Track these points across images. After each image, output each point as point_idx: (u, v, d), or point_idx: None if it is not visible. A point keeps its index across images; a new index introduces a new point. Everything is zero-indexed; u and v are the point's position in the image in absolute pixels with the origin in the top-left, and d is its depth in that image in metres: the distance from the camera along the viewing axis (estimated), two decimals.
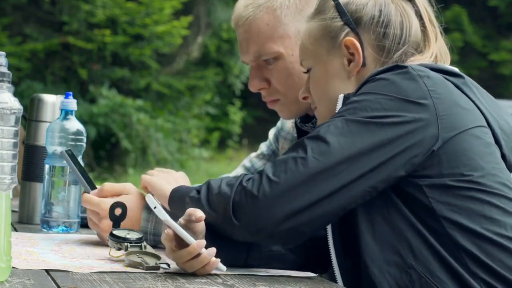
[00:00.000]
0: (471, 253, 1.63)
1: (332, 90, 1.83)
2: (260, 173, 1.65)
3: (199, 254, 1.62)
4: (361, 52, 1.80)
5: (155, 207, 1.68)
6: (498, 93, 15.87)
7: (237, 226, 1.64)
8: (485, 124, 1.72)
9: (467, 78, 1.77)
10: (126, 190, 2.03)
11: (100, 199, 2.00)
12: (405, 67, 1.69)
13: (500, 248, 1.65)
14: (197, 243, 1.62)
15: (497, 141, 1.74)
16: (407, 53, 1.80)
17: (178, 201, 1.82)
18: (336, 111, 1.73)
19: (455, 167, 1.65)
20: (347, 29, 1.81)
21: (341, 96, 1.76)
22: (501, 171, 1.70)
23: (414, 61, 1.78)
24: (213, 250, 1.63)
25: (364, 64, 1.81)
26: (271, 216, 1.62)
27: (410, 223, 1.65)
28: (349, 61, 1.82)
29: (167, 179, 1.94)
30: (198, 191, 1.73)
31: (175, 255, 1.65)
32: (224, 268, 1.66)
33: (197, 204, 1.70)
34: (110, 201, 1.98)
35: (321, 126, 1.67)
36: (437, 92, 1.67)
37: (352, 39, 1.80)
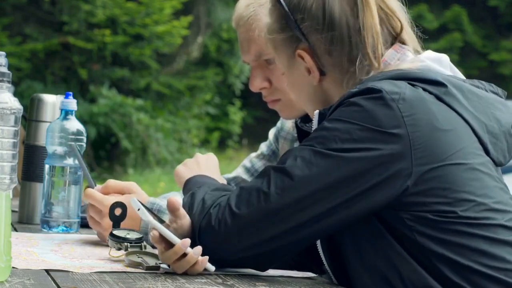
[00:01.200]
0: (460, 286, 1.56)
1: (304, 95, 1.78)
2: (228, 200, 1.63)
3: (185, 254, 1.63)
4: (313, 63, 1.72)
5: (138, 209, 1.68)
6: None
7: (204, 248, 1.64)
8: (469, 138, 1.63)
9: (450, 83, 1.65)
10: (130, 189, 2.04)
11: (103, 196, 2.01)
12: (379, 91, 1.57)
13: (490, 280, 1.57)
14: (182, 242, 1.62)
15: (484, 149, 1.65)
16: (370, 55, 1.67)
17: (185, 188, 1.89)
18: (314, 128, 1.67)
19: (436, 203, 1.57)
20: (297, 40, 1.72)
21: (316, 113, 1.69)
22: (486, 195, 1.60)
23: (389, 66, 1.68)
24: (199, 248, 1.63)
25: (323, 73, 1.72)
26: (230, 247, 1.63)
27: (398, 252, 1.58)
28: (309, 71, 1.74)
29: (191, 168, 1.97)
30: (191, 195, 1.74)
31: (164, 256, 1.65)
32: (212, 268, 1.66)
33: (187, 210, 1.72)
34: (113, 199, 1.98)
35: (288, 156, 1.60)
36: (413, 118, 1.57)
37: (301, 51, 1.72)
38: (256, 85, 2.18)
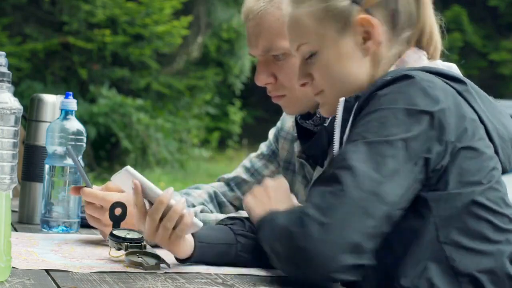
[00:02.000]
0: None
1: (346, 71, 1.78)
2: (307, 216, 1.56)
3: (169, 206, 1.67)
4: (379, 29, 1.75)
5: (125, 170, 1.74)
6: (498, 93, 15.87)
7: (305, 272, 1.58)
8: (486, 135, 1.70)
9: (468, 83, 1.75)
10: None
11: (105, 192, 2.01)
12: (412, 77, 1.65)
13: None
14: (166, 191, 1.68)
15: (496, 151, 1.72)
16: (412, 37, 1.78)
17: (260, 226, 1.75)
18: (338, 117, 1.70)
19: (459, 181, 1.63)
20: (357, 7, 1.76)
21: (341, 100, 1.72)
22: (500, 185, 1.69)
23: (407, 65, 1.76)
24: (182, 200, 1.69)
25: (379, 42, 1.77)
26: (333, 261, 1.55)
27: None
28: (364, 39, 1.77)
29: (262, 201, 1.82)
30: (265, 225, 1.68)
31: (151, 212, 1.69)
32: (200, 224, 1.71)
33: (263, 238, 1.67)
34: (115, 194, 1.98)
35: (345, 153, 1.61)
36: (445, 102, 1.64)
37: (367, 16, 1.75)
38: (262, 80, 2.18)
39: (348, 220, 1.55)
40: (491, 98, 1.80)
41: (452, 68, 1.81)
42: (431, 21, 1.81)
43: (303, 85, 1.85)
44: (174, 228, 1.71)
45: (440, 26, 1.85)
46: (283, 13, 1.88)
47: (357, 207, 1.56)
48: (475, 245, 1.63)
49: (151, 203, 1.73)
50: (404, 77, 1.65)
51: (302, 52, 1.83)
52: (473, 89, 1.74)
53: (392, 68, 1.76)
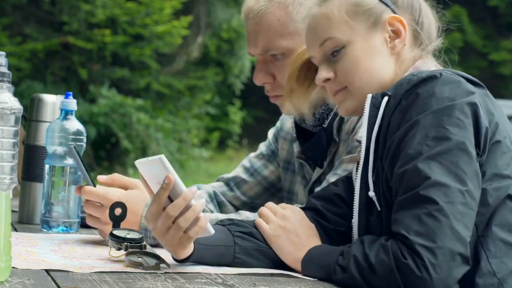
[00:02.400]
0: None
1: (373, 66, 1.82)
2: (411, 248, 1.56)
3: (189, 205, 1.66)
4: (407, 28, 1.82)
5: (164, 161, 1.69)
6: (498, 93, 15.87)
7: None
8: (507, 134, 1.74)
9: (486, 89, 1.78)
10: (134, 185, 2.05)
11: (106, 191, 2.01)
12: (440, 74, 1.69)
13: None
14: (189, 189, 1.67)
15: None
16: (427, 47, 1.85)
17: (312, 267, 1.74)
18: (366, 113, 1.73)
19: (495, 174, 1.68)
20: (386, 8, 1.83)
21: (369, 96, 1.75)
22: None
23: (432, 66, 1.82)
24: (202, 201, 1.68)
25: (405, 42, 1.83)
26: (448, 275, 1.57)
27: None
28: (391, 38, 1.83)
29: (291, 240, 1.80)
30: (343, 268, 1.65)
31: (172, 207, 1.66)
32: (212, 230, 1.69)
33: (351, 279, 1.64)
34: (116, 193, 1.99)
35: (420, 172, 1.61)
36: (477, 97, 1.69)
37: (398, 16, 1.82)
38: (260, 78, 2.18)
39: (454, 238, 1.57)
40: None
41: None
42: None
43: (326, 81, 1.84)
44: (185, 230, 1.68)
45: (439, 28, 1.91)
46: (309, 12, 1.88)
47: (458, 222, 1.58)
48: (509, 237, 1.67)
49: (170, 200, 1.69)
50: (435, 75, 1.69)
51: (325, 48, 1.84)
52: (488, 95, 1.78)
53: (408, 73, 1.79)
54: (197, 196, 1.79)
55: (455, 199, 1.59)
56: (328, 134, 2.15)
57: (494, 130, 1.69)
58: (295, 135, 2.28)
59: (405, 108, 1.68)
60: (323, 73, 1.83)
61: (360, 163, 1.75)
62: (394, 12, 1.83)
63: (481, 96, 1.72)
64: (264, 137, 2.49)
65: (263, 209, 1.85)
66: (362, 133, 1.74)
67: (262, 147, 2.44)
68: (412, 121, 1.66)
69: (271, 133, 2.44)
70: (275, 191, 2.40)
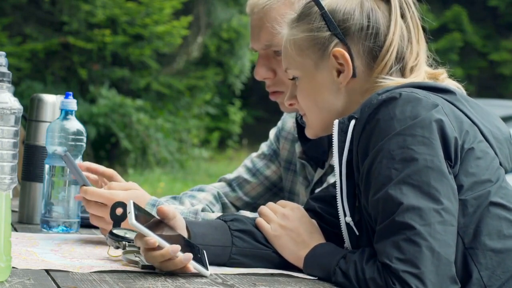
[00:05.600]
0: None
1: (321, 101, 1.81)
2: (397, 276, 1.54)
3: (174, 257, 1.63)
4: (350, 64, 1.77)
5: (129, 212, 1.66)
6: (498, 93, 15.88)
7: None
8: (482, 137, 1.71)
9: (458, 92, 1.75)
10: (132, 187, 2.05)
11: (110, 191, 2.01)
12: (404, 93, 1.64)
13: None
14: (171, 249, 1.62)
15: (494, 152, 1.73)
16: (395, 64, 1.77)
17: (314, 265, 1.74)
18: (335, 139, 1.70)
19: (475, 182, 1.65)
20: (336, 40, 1.78)
21: (336, 122, 1.72)
22: (507, 183, 1.71)
23: (405, 78, 1.76)
24: (189, 255, 1.63)
25: (354, 75, 1.78)
26: None
27: None
28: (338, 72, 1.79)
29: (292, 238, 1.80)
30: (344, 272, 1.65)
31: (148, 255, 1.65)
32: (207, 272, 1.66)
33: (350, 285, 1.64)
34: (120, 193, 1.99)
35: (393, 199, 1.58)
36: (443, 109, 1.65)
37: (341, 49, 1.77)
38: (261, 74, 2.18)
39: (436, 260, 1.55)
40: (480, 103, 1.80)
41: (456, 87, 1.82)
42: (419, 52, 1.80)
43: (290, 105, 1.89)
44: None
45: (425, 31, 1.85)
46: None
47: (438, 242, 1.55)
48: (499, 244, 1.64)
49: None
50: (395, 97, 1.64)
51: (288, 74, 1.87)
52: (463, 98, 1.75)
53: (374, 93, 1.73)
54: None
55: (432, 220, 1.56)
56: (329, 135, 2.15)
57: (465, 138, 1.65)
58: (296, 135, 2.28)
59: (369, 134, 1.64)
60: (288, 97, 1.90)
61: (337, 188, 1.72)
62: (343, 42, 1.78)
63: (447, 104, 1.68)
64: (264, 137, 2.49)
65: (263, 208, 1.85)
66: (334, 159, 1.72)
67: (264, 147, 2.44)
68: (378, 147, 1.62)
69: (272, 133, 2.44)
70: (277, 191, 2.40)
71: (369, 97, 1.70)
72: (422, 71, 1.81)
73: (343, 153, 1.70)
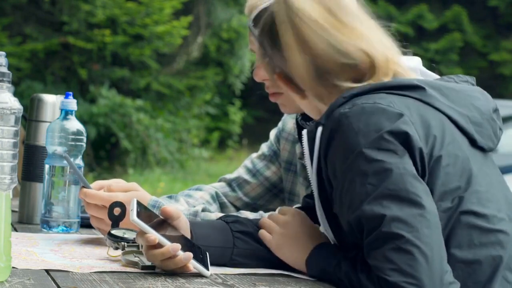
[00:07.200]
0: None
1: (300, 104, 1.83)
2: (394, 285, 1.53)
3: (175, 256, 1.63)
4: (288, 88, 1.78)
5: (131, 209, 1.66)
6: (498, 93, 15.87)
7: None
8: (457, 131, 1.68)
9: (426, 85, 1.69)
10: (133, 188, 2.05)
11: (109, 194, 2.01)
12: (361, 107, 1.60)
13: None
14: (172, 247, 1.62)
15: (469, 137, 1.70)
16: (345, 69, 1.71)
17: (314, 268, 1.74)
18: (306, 150, 1.69)
19: (444, 191, 1.62)
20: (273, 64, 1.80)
21: (304, 132, 1.70)
22: (479, 185, 1.67)
23: (369, 79, 1.70)
24: (189, 254, 1.63)
25: (302, 90, 1.76)
26: None
27: None
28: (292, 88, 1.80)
29: (293, 245, 1.78)
30: (339, 278, 1.65)
31: (149, 254, 1.66)
32: (208, 273, 1.66)
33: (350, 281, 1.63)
34: (119, 195, 1.98)
35: (374, 213, 1.55)
36: (409, 117, 1.61)
37: (277, 76, 1.79)
38: (260, 75, 2.18)
39: (431, 266, 1.53)
40: (455, 85, 1.75)
41: (415, 61, 1.79)
42: (379, 51, 1.71)
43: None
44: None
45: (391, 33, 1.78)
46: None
47: (427, 245, 1.54)
48: (469, 255, 1.62)
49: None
50: (358, 109, 1.61)
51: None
52: (433, 88, 1.70)
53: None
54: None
55: (418, 225, 1.54)
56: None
57: (433, 144, 1.62)
58: (297, 136, 2.27)
59: (335, 152, 1.61)
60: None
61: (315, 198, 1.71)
62: (277, 65, 1.78)
63: (415, 106, 1.64)
64: (264, 137, 2.49)
65: (264, 220, 1.83)
66: (307, 168, 1.70)
67: (264, 147, 2.44)
68: (345, 167, 1.59)
69: (273, 133, 2.44)
70: (277, 192, 2.40)
71: (334, 101, 1.66)
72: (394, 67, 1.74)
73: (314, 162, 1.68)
